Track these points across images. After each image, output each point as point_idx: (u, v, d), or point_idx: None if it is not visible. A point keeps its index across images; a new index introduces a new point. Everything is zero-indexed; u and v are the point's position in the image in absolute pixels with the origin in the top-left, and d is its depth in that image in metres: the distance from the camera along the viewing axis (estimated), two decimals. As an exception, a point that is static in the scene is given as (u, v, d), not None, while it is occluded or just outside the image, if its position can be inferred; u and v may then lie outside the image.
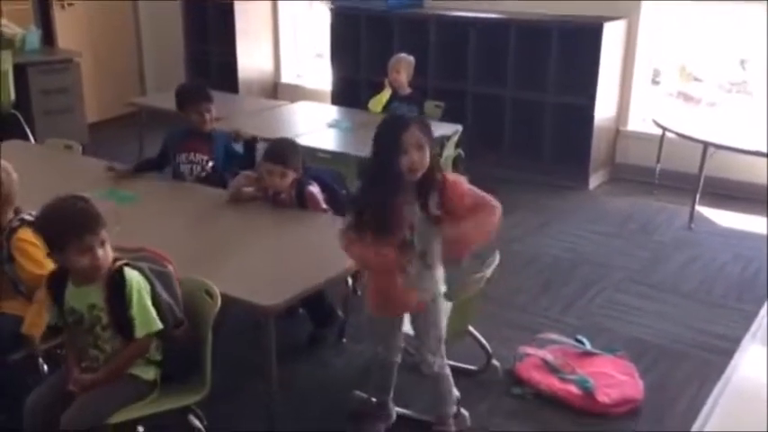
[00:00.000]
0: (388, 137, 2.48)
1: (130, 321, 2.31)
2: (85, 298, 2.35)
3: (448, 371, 2.81)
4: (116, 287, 2.31)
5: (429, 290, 2.64)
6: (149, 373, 2.43)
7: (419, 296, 2.64)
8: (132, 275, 2.32)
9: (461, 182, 2.55)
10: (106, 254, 2.31)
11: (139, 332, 2.33)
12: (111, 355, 2.38)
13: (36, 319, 2.60)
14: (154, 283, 2.37)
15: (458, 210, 2.50)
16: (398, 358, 2.86)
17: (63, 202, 2.33)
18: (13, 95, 5.96)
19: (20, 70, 6.12)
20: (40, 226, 2.37)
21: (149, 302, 2.33)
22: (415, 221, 2.51)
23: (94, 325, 2.35)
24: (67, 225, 2.27)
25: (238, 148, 4.06)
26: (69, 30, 7.21)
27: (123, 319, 2.32)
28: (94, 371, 2.38)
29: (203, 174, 3.82)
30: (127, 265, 2.35)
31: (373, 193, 2.50)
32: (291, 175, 3.33)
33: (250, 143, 4.27)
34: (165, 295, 2.39)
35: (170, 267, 2.48)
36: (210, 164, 3.83)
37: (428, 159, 2.47)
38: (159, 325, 2.35)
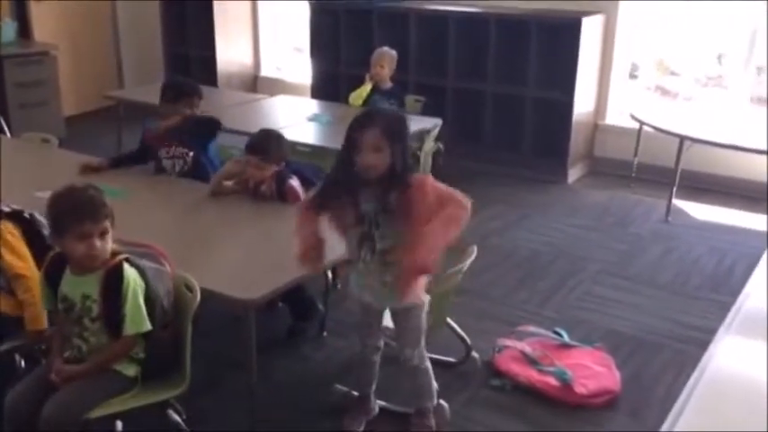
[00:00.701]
0: (350, 133, 2.47)
1: (122, 318, 2.32)
2: (80, 287, 2.35)
3: (428, 364, 2.82)
4: (113, 281, 2.31)
5: (374, 287, 2.62)
6: (130, 370, 2.42)
7: (362, 294, 2.66)
8: (130, 273, 2.33)
9: (427, 181, 2.48)
10: (104, 245, 2.31)
11: (129, 330, 2.33)
12: (95, 347, 2.38)
13: (33, 310, 2.59)
14: (149, 282, 2.37)
15: (421, 208, 2.39)
16: (378, 355, 2.87)
17: (73, 188, 2.36)
18: (-13, 89, 5.90)
19: (-5, 63, 6.06)
20: (48, 207, 2.37)
21: (143, 302, 2.34)
22: (378, 219, 2.49)
23: (84, 315, 2.36)
24: (70, 209, 2.29)
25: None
26: (46, 22, 7.13)
27: (115, 314, 2.32)
28: (76, 362, 2.38)
29: (186, 168, 3.77)
30: (127, 260, 2.35)
31: (331, 183, 2.56)
32: (271, 167, 3.33)
33: None
34: (160, 295, 2.40)
35: (168, 267, 2.48)
36: (191, 154, 3.76)
37: (387, 160, 2.42)
38: (149, 326, 2.35)
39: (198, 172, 3.75)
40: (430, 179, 2.50)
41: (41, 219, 2.73)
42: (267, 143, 3.36)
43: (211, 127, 3.80)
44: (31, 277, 2.59)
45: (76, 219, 2.26)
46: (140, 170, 3.85)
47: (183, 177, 3.74)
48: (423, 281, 2.59)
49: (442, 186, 2.47)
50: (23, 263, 2.62)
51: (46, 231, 2.71)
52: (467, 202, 2.43)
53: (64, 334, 2.42)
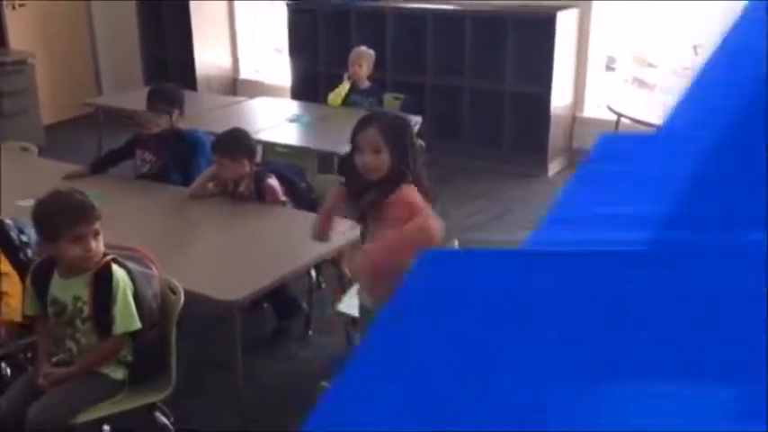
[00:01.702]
0: (352, 134, 2.44)
1: (112, 318, 2.34)
2: (71, 290, 2.37)
3: None
4: (103, 282, 2.34)
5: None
6: (118, 373, 2.44)
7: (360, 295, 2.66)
8: (119, 272, 2.36)
9: (410, 193, 2.35)
10: (98, 246, 2.35)
11: (118, 329, 2.35)
12: (86, 348, 2.40)
13: (13, 302, 2.58)
14: (137, 283, 2.40)
15: (391, 213, 2.32)
16: None
17: (59, 194, 2.39)
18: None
19: (-28, 73, 6.03)
20: (35, 215, 2.38)
21: (132, 301, 2.36)
22: (368, 219, 2.47)
23: (76, 317, 2.38)
24: (62, 214, 2.31)
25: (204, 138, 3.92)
26: (21, 31, 7.08)
27: (105, 314, 2.34)
28: (66, 365, 2.39)
29: (150, 172, 3.75)
30: (114, 261, 2.37)
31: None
32: (243, 165, 3.33)
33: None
34: (147, 297, 2.42)
35: (154, 269, 2.50)
36: (159, 162, 3.75)
37: (387, 162, 2.35)
38: (138, 324, 2.37)
39: (160, 175, 3.73)
40: (410, 192, 2.37)
41: (9, 222, 2.75)
42: (231, 141, 3.38)
43: (177, 141, 3.78)
44: (10, 273, 2.62)
45: (71, 222, 2.29)
46: (120, 175, 3.86)
47: (141, 179, 3.76)
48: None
49: (418, 201, 2.34)
50: (2, 263, 2.65)
51: (14, 234, 2.73)
52: (433, 225, 2.28)
53: (55, 337, 2.43)
